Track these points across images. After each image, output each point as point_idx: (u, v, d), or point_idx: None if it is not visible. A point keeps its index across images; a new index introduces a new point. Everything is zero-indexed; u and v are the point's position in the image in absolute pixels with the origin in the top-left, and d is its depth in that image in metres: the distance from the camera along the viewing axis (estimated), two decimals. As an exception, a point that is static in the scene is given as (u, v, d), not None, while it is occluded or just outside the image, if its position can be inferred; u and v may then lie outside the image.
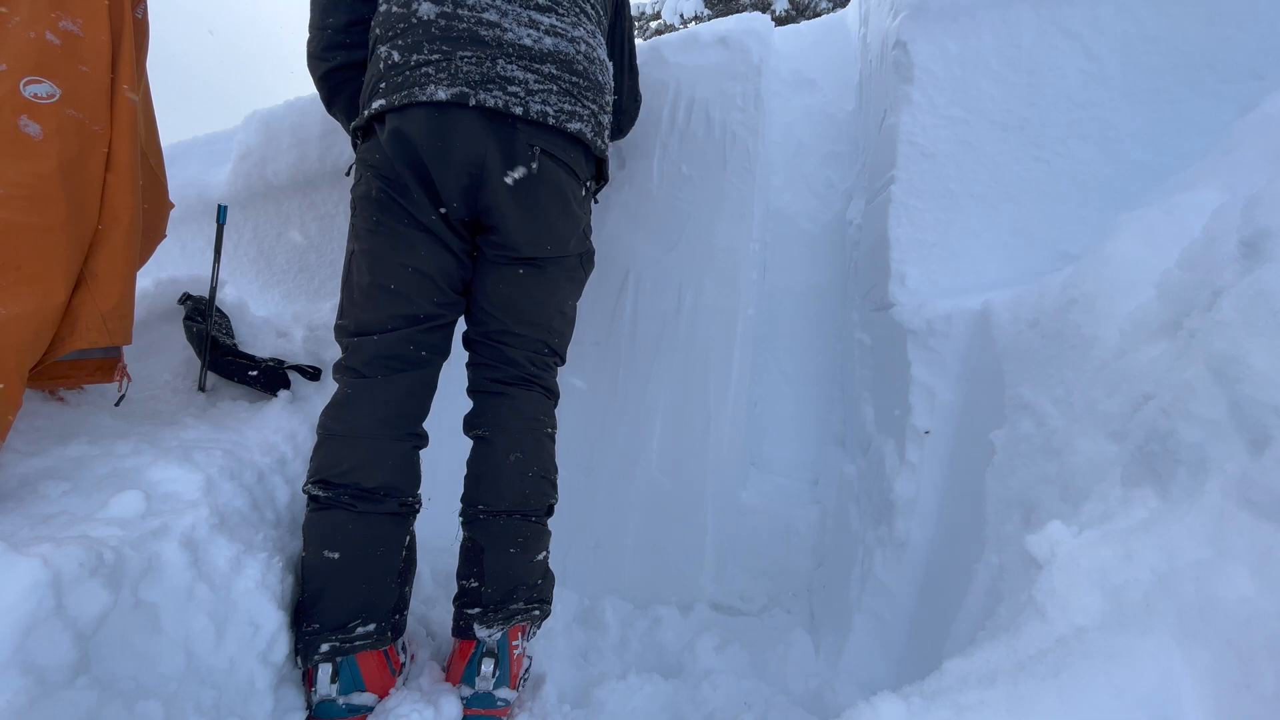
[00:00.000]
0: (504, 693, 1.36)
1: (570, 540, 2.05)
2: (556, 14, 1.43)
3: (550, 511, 1.49)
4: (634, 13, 10.41)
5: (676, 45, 2.14)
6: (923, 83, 1.74)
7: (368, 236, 1.39)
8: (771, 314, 2.34)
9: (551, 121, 1.36)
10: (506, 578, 1.39)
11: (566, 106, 1.39)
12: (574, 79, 1.42)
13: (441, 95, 1.29)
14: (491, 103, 1.31)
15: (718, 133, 2.08)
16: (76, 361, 1.34)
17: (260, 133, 2.56)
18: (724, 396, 2.05)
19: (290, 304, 2.59)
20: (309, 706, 1.25)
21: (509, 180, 1.35)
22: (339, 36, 1.50)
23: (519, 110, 1.33)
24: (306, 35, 1.54)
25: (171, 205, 1.54)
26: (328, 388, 1.70)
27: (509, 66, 1.34)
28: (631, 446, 2.10)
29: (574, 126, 1.40)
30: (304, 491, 1.34)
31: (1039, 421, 1.19)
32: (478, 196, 1.36)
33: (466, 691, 1.35)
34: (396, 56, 1.34)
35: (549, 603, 1.47)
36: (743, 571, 2.04)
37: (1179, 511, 0.79)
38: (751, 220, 2.07)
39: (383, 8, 1.40)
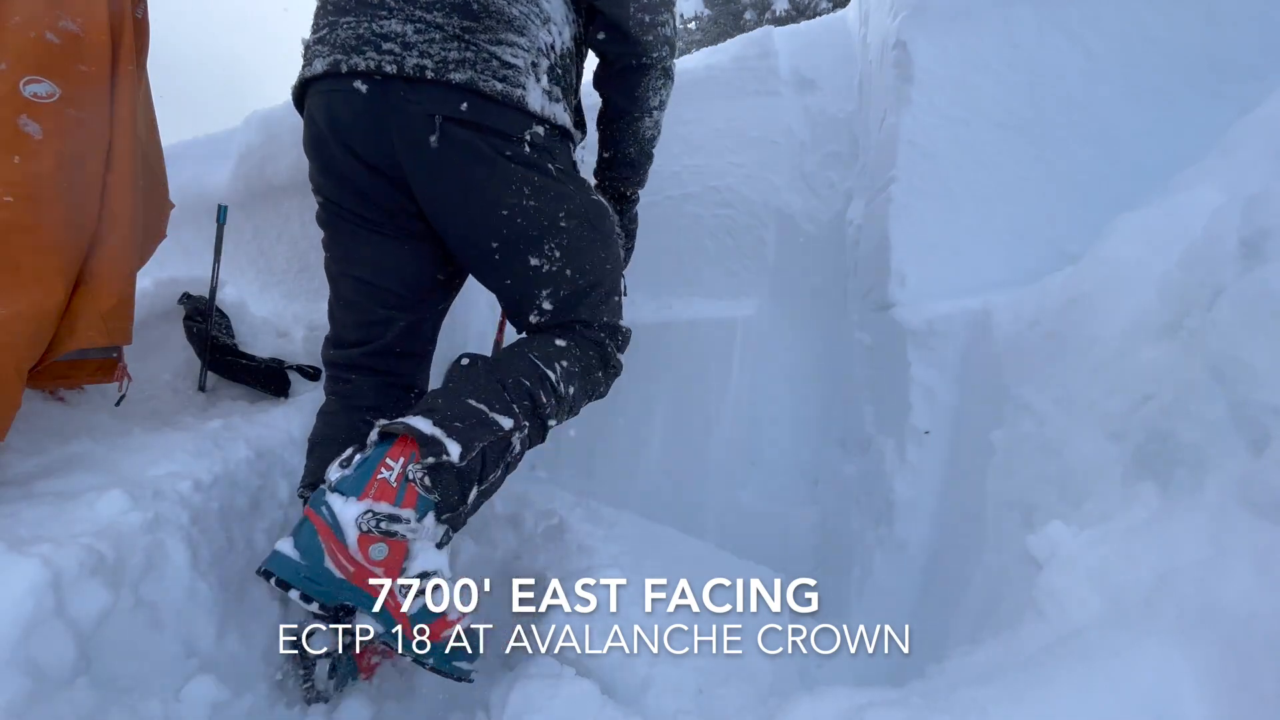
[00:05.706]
0: (346, 493, 0.95)
1: (570, 540, 2.05)
2: None
3: (534, 413, 1.10)
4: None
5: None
6: (923, 83, 1.74)
7: (324, 243, 1.28)
8: (771, 314, 2.34)
9: (430, 75, 1.07)
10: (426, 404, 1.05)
11: (454, 54, 1.08)
12: (467, 21, 1.09)
13: (319, 67, 1.14)
14: (363, 65, 1.08)
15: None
16: (76, 361, 1.34)
17: (260, 133, 2.56)
18: (724, 396, 2.05)
19: (290, 304, 2.59)
20: (307, 702, 1.25)
21: (423, 156, 1.11)
22: None
23: (391, 69, 1.07)
24: None
25: (171, 205, 1.54)
26: (328, 388, 1.70)
27: (387, 22, 1.09)
28: (631, 446, 2.10)
29: (459, 76, 1.08)
30: (299, 495, 1.34)
31: (1039, 421, 1.19)
32: (403, 183, 1.15)
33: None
34: (309, 33, 1.22)
35: (495, 427, 1.03)
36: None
37: (1179, 511, 0.79)
38: (751, 220, 2.07)
39: None
